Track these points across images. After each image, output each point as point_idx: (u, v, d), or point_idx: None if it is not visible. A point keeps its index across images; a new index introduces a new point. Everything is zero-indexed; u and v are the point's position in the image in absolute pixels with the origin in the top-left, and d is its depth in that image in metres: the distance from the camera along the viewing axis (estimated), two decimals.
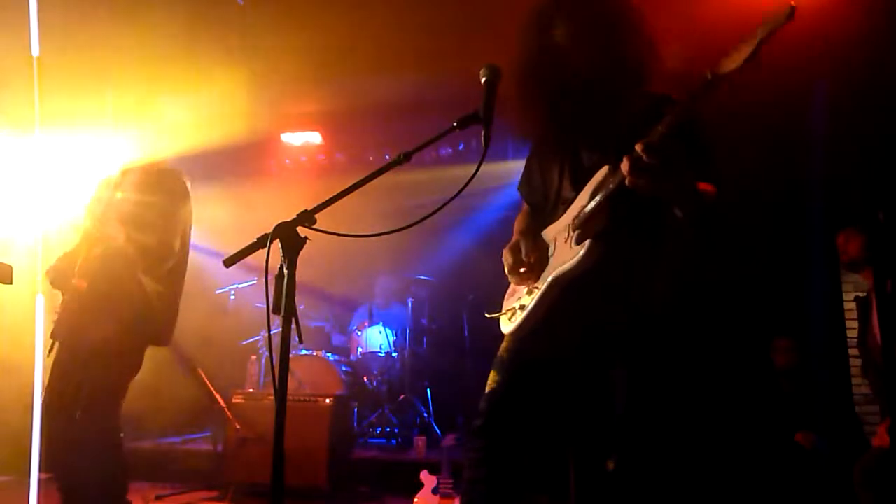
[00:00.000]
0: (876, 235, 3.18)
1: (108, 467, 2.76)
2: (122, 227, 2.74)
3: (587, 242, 1.76)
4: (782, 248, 4.62)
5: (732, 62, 1.43)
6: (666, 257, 1.89)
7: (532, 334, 1.93)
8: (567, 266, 1.80)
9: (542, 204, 2.07)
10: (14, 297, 2.86)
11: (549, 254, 1.92)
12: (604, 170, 1.78)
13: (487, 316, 2.13)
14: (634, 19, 1.82)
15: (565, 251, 1.84)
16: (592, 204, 1.77)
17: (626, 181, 1.61)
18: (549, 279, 1.85)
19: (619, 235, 1.79)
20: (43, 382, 2.85)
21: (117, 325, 2.73)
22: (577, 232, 1.81)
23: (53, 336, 2.85)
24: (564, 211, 1.92)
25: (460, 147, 6.28)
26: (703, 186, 1.72)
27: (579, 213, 1.82)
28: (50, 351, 2.84)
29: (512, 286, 2.09)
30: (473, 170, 1.56)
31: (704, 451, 3.55)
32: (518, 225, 2.18)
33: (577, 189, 1.88)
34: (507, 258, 1.98)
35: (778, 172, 4.49)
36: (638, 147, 1.55)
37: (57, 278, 2.86)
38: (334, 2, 4.31)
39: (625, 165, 1.59)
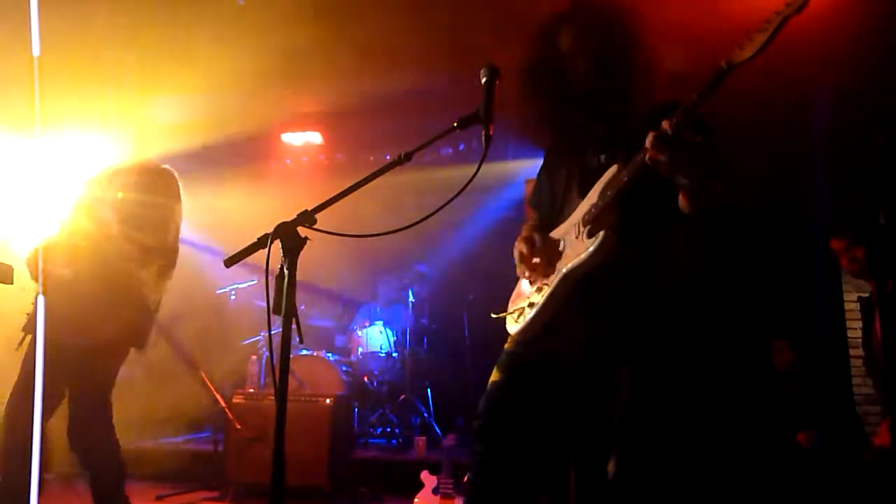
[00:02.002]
0: (876, 237, 3.18)
1: (109, 458, 2.74)
2: (119, 224, 2.72)
3: (601, 234, 1.78)
4: (783, 249, 4.61)
5: (746, 51, 1.48)
6: (673, 256, 1.90)
7: (539, 333, 1.93)
8: (580, 259, 1.82)
9: (549, 212, 2.09)
10: (14, 297, 2.84)
11: (560, 249, 1.93)
12: (613, 168, 1.80)
13: (494, 316, 2.12)
14: (639, 29, 1.85)
15: (577, 245, 1.86)
16: (603, 200, 1.79)
17: (647, 156, 1.61)
18: (562, 272, 1.86)
19: (629, 232, 1.80)
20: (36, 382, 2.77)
21: (118, 323, 2.68)
22: (588, 227, 1.83)
23: (28, 330, 2.72)
24: (571, 212, 1.93)
25: (460, 147, 6.28)
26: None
27: (589, 209, 1.84)
28: (20, 345, 2.73)
29: (517, 290, 2.09)
30: (473, 170, 1.56)
31: (705, 451, 3.55)
32: (527, 224, 2.19)
33: (585, 191, 1.89)
34: (520, 247, 1.98)
35: (779, 173, 4.49)
36: (664, 124, 1.57)
37: (36, 267, 2.72)
38: (334, 2, 4.31)
39: (649, 140, 1.60)
